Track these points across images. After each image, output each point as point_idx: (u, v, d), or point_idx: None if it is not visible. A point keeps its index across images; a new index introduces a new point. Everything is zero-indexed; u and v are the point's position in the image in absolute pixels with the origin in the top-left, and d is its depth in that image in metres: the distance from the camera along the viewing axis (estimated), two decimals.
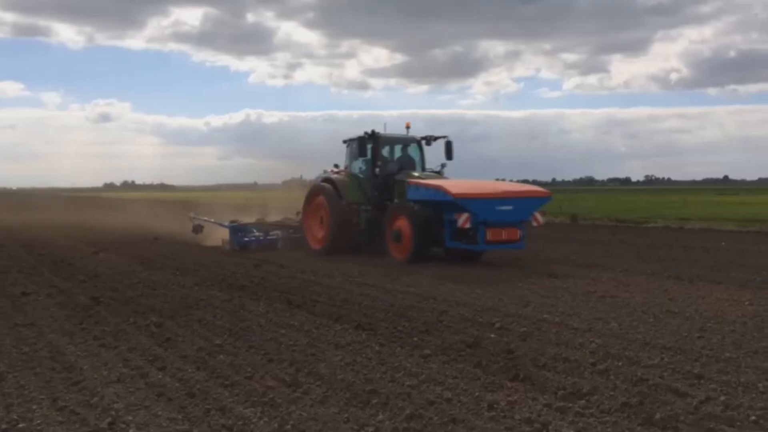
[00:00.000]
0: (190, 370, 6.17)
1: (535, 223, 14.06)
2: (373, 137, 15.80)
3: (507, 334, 7.41)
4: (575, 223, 29.22)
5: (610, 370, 5.96)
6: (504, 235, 13.40)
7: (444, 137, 16.46)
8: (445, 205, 13.39)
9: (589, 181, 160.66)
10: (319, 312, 8.84)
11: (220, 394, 5.46)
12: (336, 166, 17.11)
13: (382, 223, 14.74)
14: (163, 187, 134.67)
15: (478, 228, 13.15)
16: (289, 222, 19.03)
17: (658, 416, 4.77)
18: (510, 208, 13.39)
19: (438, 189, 13.58)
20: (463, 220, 13.02)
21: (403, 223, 14.05)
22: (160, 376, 6.00)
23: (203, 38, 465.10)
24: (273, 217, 20.40)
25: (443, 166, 16.28)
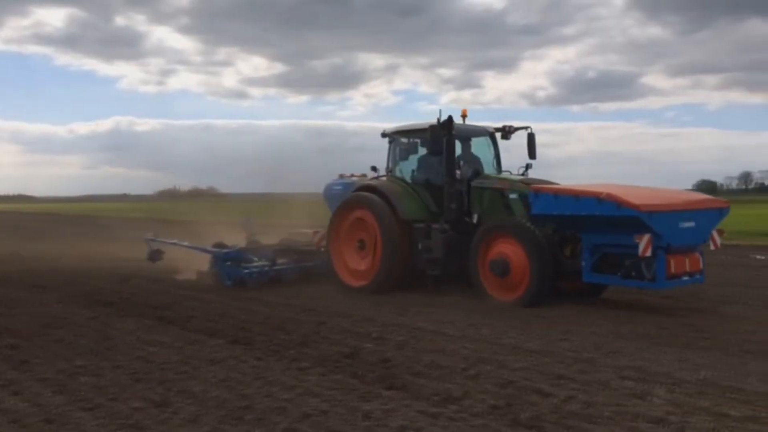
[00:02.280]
0: (48, 394, 5.75)
1: (713, 246, 9.57)
2: (449, 125, 10.99)
3: (384, 344, 7.50)
4: None
5: (480, 374, 6.18)
6: (688, 265, 9.19)
7: (526, 128, 12.00)
8: (616, 222, 8.84)
9: None
10: (193, 327, 8.53)
11: (81, 419, 5.12)
12: (374, 168, 12.57)
13: (471, 250, 10.25)
14: (22, 198, 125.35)
15: (656, 255, 8.77)
16: (296, 244, 13.62)
17: (523, 417, 5.00)
18: (692, 225, 9.19)
19: (605, 199, 8.86)
20: (644, 244, 8.63)
21: (512, 250, 9.73)
22: (14, 402, 5.54)
23: (67, 41, 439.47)
24: (262, 237, 14.65)
25: (528, 167, 11.63)
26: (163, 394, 5.70)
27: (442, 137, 10.87)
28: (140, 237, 14.89)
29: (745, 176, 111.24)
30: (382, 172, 12.38)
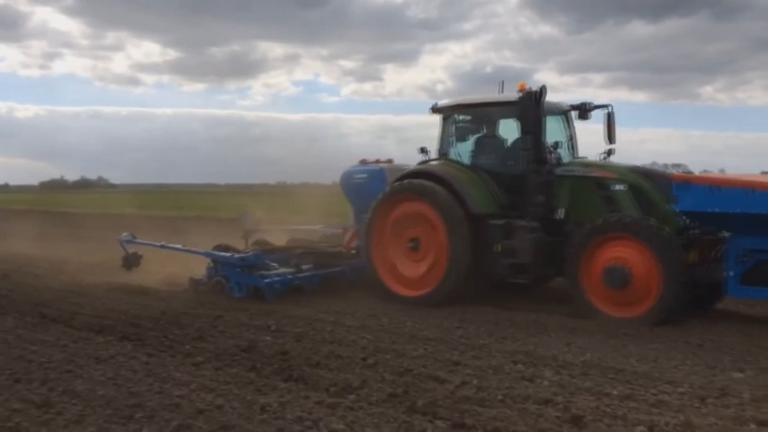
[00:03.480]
0: None
1: None
2: (541, 98, 8.99)
3: (282, 336, 7.42)
4: None
5: (379, 363, 6.24)
6: None
7: (606, 106, 9.85)
8: None
9: None
10: (78, 324, 8.08)
11: None
12: (424, 150, 10.38)
13: (571, 255, 8.38)
14: None
15: None
16: (314, 245, 11.25)
17: (420, 403, 5.09)
18: None
19: None
20: None
21: (634, 255, 7.91)
22: None
23: None
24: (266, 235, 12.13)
25: (610, 153, 9.65)
26: (45, 395, 5.38)
27: (529, 112, 8.92)
28: (24, 231, 13.77)
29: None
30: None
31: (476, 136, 10.11)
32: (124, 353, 6.71)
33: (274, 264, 10.07)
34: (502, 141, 10.01)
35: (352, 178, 11.38)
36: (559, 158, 9.42)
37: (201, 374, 5.99)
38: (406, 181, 9.64)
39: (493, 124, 10.11)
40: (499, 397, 5.26)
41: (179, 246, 11.08)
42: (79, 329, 7.83)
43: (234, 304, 9.28)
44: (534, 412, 4.96)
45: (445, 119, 10.09)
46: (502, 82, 9.98)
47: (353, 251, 10.85)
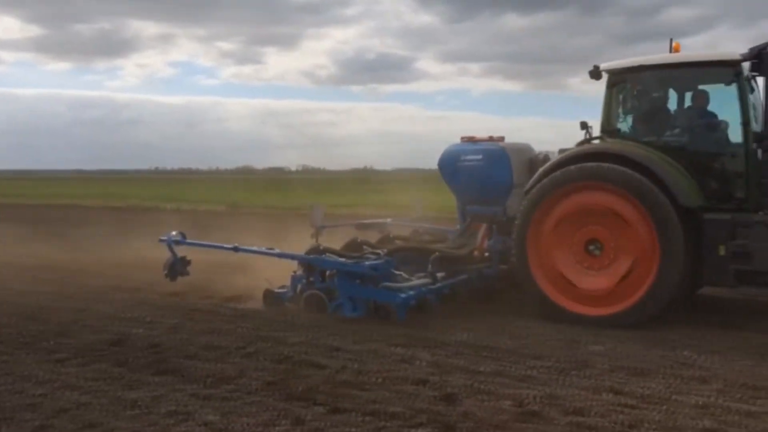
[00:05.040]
0: None
1: None
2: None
3: (155, 328, 7.14)
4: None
5: (257, 352, 6.16)
6: None
7: None
8: None
9: (248, 170, 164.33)
10: None
11: None
12: (584, 126, 8.21)
13: None
14: None
15: None
16: (438, 241, 9.55)
17: (298, 390, 5.07)
18: None
19: None
20: None
21: None
22: None
23: None
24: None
25: None
26: None
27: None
28: None
29: None
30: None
31: (659, 106, 8.07)
32: None
33: (400, 273, 7.78)
34: (697, 112, 7.87)
35: (460, 161, 9.09)
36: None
37: (64, 371, 5.64)
38: (587, 166, 7.45)
39: (684, 92, 8.09)
40: (377, 380, 5.34)
41: (276, 250, 8.35)
42: None
43: (97, 297, 8.78)
44: (410, 392, 5.08)
45: (612, 86, 8.02)
46: (671, 39, 8.02)
47: (486, 254, 8.72)
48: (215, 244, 8.90)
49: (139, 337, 6.70)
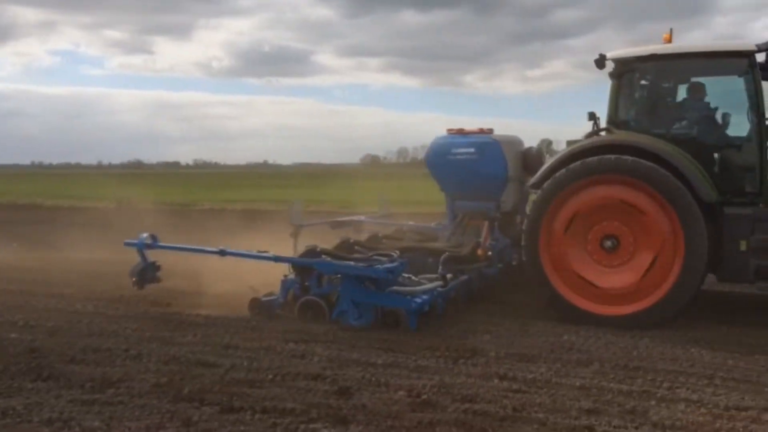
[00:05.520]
0: None
1: None
2: None
3: (33, 332, 6.68)
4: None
5: (143, 354, 5.89)
6: None
7: None
8: None
9: (138, 165, 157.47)
10: None
11: None
12: (593, 117, 7.84)
13: None
14: None
15: None
16: (429, 239, 9.14)
17: (186, 391, 4.90)
18: None
19: None
20: None
21: None
22: None
23: None
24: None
25: None
26: None
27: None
28: None
29: (403, 151, 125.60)
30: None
31: (670, 97, 7.90)
32: None
33: (409, 275, 7.19)
34: (709, 104, 7.68)
35: (450, 154, 8.74)
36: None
37: None
38: (605, 158, 7.09)
39: (694, 83, 7.80)
40: (270, 376, 5.26)
41: (259, 253, 7.43)
42: None
43: None
44: (304, 387, 5.04)
45: (619, 75, 7.72)
46: (671, 28, 7.83)
47: (489, 253, 8.22)
48: (197, 247, 7.99)
49: (12, 342, 6.25)
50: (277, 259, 7.26)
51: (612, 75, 7.71)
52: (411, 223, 10.07)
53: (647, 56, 7.53)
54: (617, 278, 7.03)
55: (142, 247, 7.65)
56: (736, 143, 7.34)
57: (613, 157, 7.03)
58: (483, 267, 8.00)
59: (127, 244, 7.75)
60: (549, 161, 7.71)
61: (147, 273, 7.68)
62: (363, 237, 8.89)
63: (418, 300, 6.69)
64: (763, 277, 6.80)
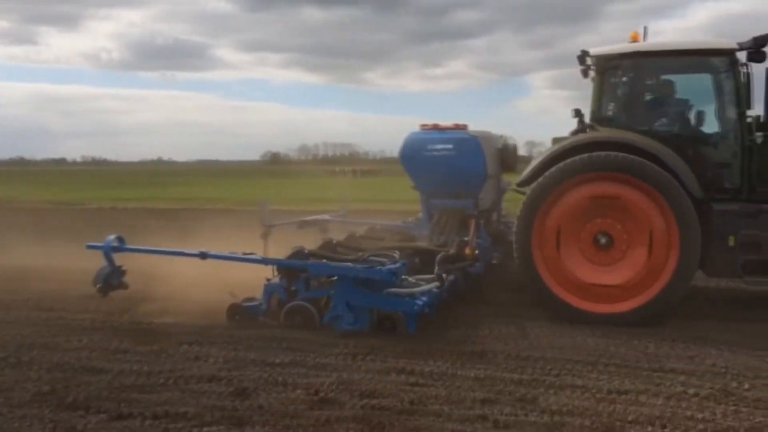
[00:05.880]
0: None
1: None
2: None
3: None
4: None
5: (24, 362, 5.56)
6: None
7: None
8: None
9: (23, 162, 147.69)
10: None
11: None
12: (578, 114, 7.74)
13: None
14: None
15: None
16: (410, 239, 8.71)
17: (71, 399, 4.67)
18: None
19: None
20: None
21: None
22: None
23: None
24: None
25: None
26: None
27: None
28: None
29: (304, 148, 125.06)
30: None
31: (653, 94, 7.94)
32: None
33: (407, 277, 6.87)
34: (686, 102, 7.86)
35: (426, 150, 8.49)
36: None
37: None
38: (602, 155, 7.02)
39: (674, 81, 7.89)
40: (162, 380, 5.09)
41: (244, 255, 6.96)
42: None
43: None
44: (201, 390, 4.91)
45: (602, 72, 7.70)
46: (646, 27, 7.91)
47: (477, 251, 7.91)
48: (174, 250, 7.42)
49: None
50: (265, 261, 6.92)
51: (596, 71, 7.72)
52: (381, 222, 9.85)
53: (630, 53, 7.56)
54: (610, 275, 7.03)
55: (108, 251, 7.04)
56: (719, 140, 7.43)
57: (604, 154, 7.03)
58: (468, 266, 7.80)
59: (91, 247, 7.13)
60: (537, 159, 7.69)
61: (112, 278, 7.06)
62: (330, 236, 8.62)
63: (420, 302, 6.43)
64: (750, 272, 6.89)
